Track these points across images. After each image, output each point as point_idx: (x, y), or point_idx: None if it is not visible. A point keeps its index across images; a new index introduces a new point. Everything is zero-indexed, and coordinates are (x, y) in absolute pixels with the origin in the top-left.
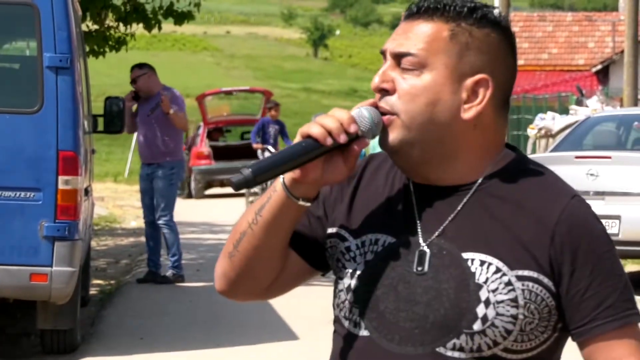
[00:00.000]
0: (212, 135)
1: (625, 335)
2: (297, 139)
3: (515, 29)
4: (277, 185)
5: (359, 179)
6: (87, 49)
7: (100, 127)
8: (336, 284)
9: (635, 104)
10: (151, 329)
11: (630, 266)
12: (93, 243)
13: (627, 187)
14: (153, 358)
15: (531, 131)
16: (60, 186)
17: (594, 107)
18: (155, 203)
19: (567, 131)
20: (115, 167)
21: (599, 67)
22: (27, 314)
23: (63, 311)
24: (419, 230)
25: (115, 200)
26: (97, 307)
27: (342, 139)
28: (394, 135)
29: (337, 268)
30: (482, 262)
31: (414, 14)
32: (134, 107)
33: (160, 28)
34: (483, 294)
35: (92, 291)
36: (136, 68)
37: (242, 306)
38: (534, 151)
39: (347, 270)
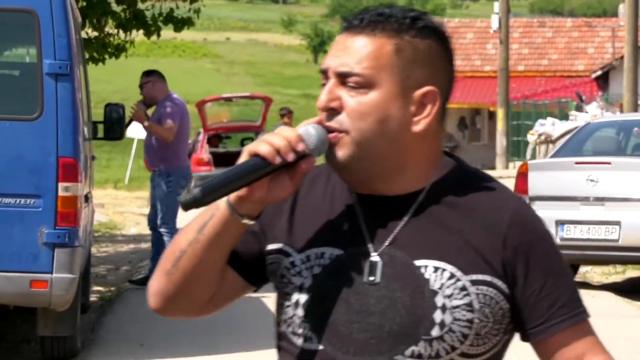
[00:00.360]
0: (210, 141)
1: (582, 331)
2: (244, 157)
3: (515, 34)
4: (221, 204)
5: (296, 193)
6: (87, 55)
7: (101, 133)
8: (281, 300)
9: (635, 110)
10: (151, 335)
11: (630, 272)
12: (93, 249)
13: (627, 193)
14: None
15: (531, 137)
16: (60, 193)
17: (594, 113)
18: (158, 209)
19: (567, 137)
20: (115, 174)
21: (599, 73)
22: (27, 320)
23: (63, 318)
24: (368, 240)
25: (115, 206)
26: (98, 313)
27: (290, 157)
28: (342, 152)
29: (281, 284)
30: (436, 269)
31: (354, 27)
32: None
33: (159, 35)
34: (439, 300)
35: (93, 298)
36: (144, 75)
37: (242, 312)
38: (533, 157)
39: (293, 285)
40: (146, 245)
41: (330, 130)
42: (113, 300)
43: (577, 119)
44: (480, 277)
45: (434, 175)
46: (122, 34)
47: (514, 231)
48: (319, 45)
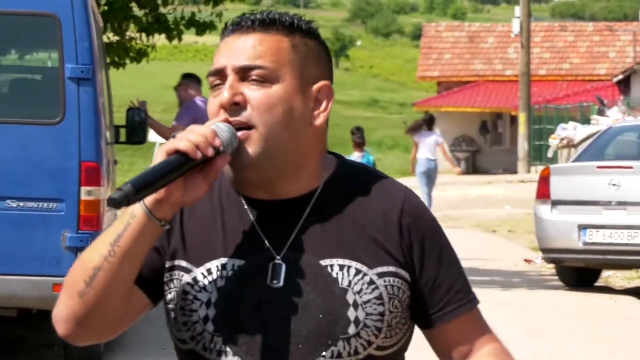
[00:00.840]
0: None
1: (475, 316)
2: (160, 157)
3: (536, 39)
4: (136, 211)
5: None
6: (109, 59)
7: (123, 137)
8: (184, 317)
9: None
10: None
11: None
12: None
13: None
14: None
15: (553, 141)
16: (83, 197)
17: (616, 117)
18: None
19: (588, 141)
20: None
21: (620, 77)
22: (50, 324)
23: None
24: (268, 246)
25: None
26: None
27: (210, 152)
28: (252, 149)
29: (183, 301)
30: (342, 267)
31: (244, 28)
32: None
33: (181, 38)
34: (350, 297)
35: None
36: (182, 77)
37: None
38: (555, 158)
39: (200, 301)
40: None
41: (237, 126)
42: None
43: (599, 123)
44: (385, 269)
45: (324, 173)
46: (144, 38)
47: (407, 220)
48: (340, 49)
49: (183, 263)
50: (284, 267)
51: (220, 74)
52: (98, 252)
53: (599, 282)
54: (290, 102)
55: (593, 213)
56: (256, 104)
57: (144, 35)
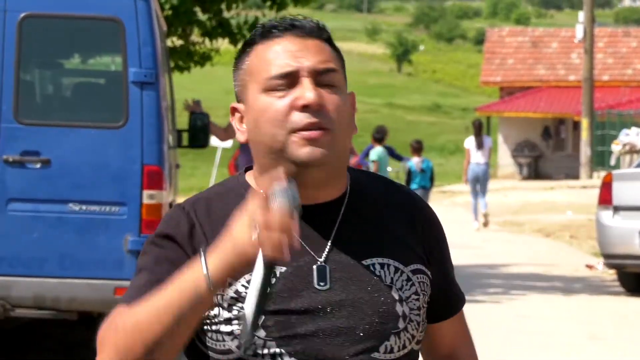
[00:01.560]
0: None
1: (463, 314)
2: (244, 258)
3: (599, 44)
4: (201, 289)
5: (195, 226)
6: (172, 64)
7: (185, 142)
8: (226, 327)
9: None
10: None
11: None
12: None
13: None
14: None
15: (615, 147)
16: (145, 200)
17: None
18: None
19: None
20: (199, 182)
21: None
22: None
23: None
24: (308, 250)
25: None
26: None
27: (285, 255)
28: (323, 150)
29: (228, 313)
30: (382, 265)
31: (302, 33)
32: None
33: None
34: (395, 294)
35: None
36: None
37: None
38: (617, 166)
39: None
40: None
41: (317, 126)
42: None
43: None
44: (415, 266)
45: (347, 179)
46: (207, 42)
47: (423, 219)
48: (403, 54)
49: None
50: (327, 269)
51: (289, 77)
52: (159, 322)
53: None
54: (348, 107)
55: None
56: (332, 107)
57: (207, 39)
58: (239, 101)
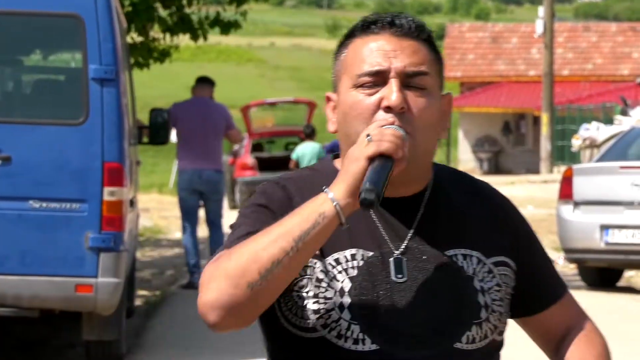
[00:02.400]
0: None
1: (570, 298)
2: (362, 162)
3: (559, 39)
4: (328, 211)
5: (290, 202)
6: (132, 60)
7: (146, 138)
8: (313, 304)
9: None
10: (196, 339)
11: None
12: (138, 254)
13: None
14: None
15: (576, 141)
16: (106, 197)
17: (639, 117)
18: None
19: (611, 141)
20: (160, 179)
21: None
22: (72, 325)
23: (108, 322)
24: (387, 240)
25: (160, 211)
26: (142, 318)
27: (402, 153)
28: (407, 155)
29: (317, 288)
30: (465, 256)
31: (400, 32)
32: None
33: (206, 38)
34: (477, 284)
35: (137, 302)
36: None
37: None
38: (578, 161)
39: (333, 289)
40: None
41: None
42: (158, 304)
43: (622, 124)
44: (499, 258)
45: (431, 173)
46: (168, 38)
47: (509, 215)
48: None
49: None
50: (404, 261)
51: (379, 75)
52: (278, 246)
53: (621, 282)
54: (436, 112)
55: (615, 213)
56: (418, 112)
57: (167, 35)
58: (334, 91)
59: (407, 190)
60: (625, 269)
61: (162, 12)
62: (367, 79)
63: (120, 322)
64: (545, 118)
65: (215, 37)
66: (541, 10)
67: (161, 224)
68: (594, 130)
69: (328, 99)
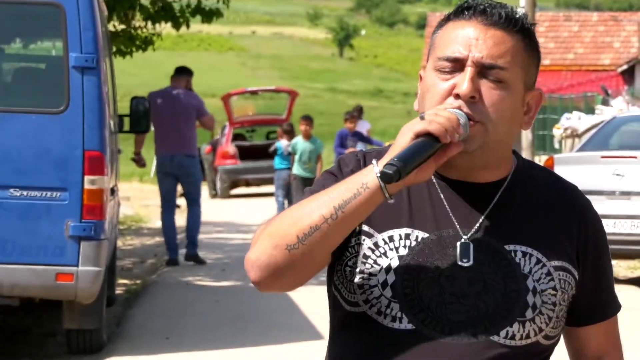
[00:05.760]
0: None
1: (615, 321)
2: (408, 136)
3: (541, 28)
4: (370, 183)
5: None
6: (114, 48)
7: (127, 127)
8: (361, 280)
9: None
10: (177, 328)
11: None
12: (119, 243)
13: None
14: (179, 358)
15: (557, 131)
16: (86, 186)
17: (620, 107)
18: None
19: (593, 131)
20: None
21: (625, 67)
22: (53, 313)
23: (89, 311)
24: (456, 224)
25: (141, 200)
26: (123, 306)
27: (456, 138)
28: (474, 142)
29: (363, 264)
30: (524, 254)
31: (490, 21)
32: None
33: (188, 26)
34: (530, 284)
35: (118, 291)
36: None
37: (267, 306)
38: (559, 151)
39: (380, 266)
40: None
41: (470, 118)
42: (139, 293)
43: (603, 113)
44: (560, 263)
45: (511, 165)
46: (150, 27)
47: (585, 223)
48: (344, 38)
49: (365, 227)
50: (471, 246)
51: (457, 62)
52: (318, 212)
53: None
54: (515, 106)
55: (597, 202)
56: (490, 103)
57: (149, 23)
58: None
59: (485, 177)
60: None
61: (144, 0)
62: (445, 63)
63: (101, 311)
64: None
65: (196, 26)
66: (522, 0)
67: (142, 212)
68: (575, 120)
69: (421, 76)
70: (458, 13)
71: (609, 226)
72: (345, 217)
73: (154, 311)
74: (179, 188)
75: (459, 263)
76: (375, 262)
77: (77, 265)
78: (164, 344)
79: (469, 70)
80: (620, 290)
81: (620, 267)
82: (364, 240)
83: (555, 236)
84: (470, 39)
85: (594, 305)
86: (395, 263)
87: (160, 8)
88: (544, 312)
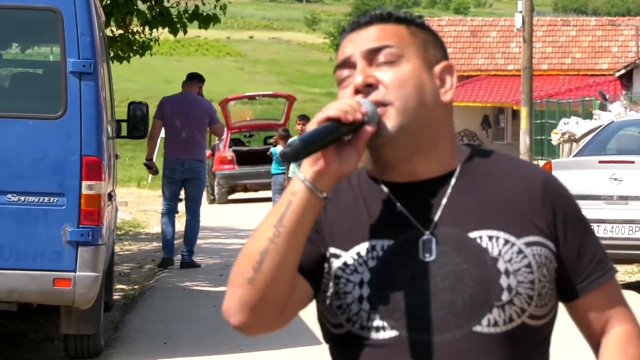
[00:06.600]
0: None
1: (615, 285)
2: (312, 126)
3: (538, 33)
4: (297, 187)
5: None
6: (111, 53)
7: (124, 132)
8: (337, 302)
9: None
10: (175, 333)
11: None
12: (116, 248)
13: None
14: None
15: (555, 136)
16: (84, 191)
17: (618, 111)
18: None
19: (590, 136)
20: (138, 173)
21: (623, 71)
22: (50, 319)
23: (86, 316)
24: (415, 224)
25: (138, 205)
26: (121, 312)
27: (359, 116)
28: (390, 124)
29: (336, 285)
30: (490, 237)
31: (364, 23)
32: None
33: (185, 32)
34: (501, 266)
35: (116, 296)
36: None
37: None
38: (557, 155)
39: (353, 283)
40: None
41: (378, 104)
42: (136, 298)
43: (601, 118)
44: (531, 238)
45: (460, 156)
46: (147, 32)
47: (548, 194)
48: None
49: (332, 250)
50: (434, 241)
51: (348, 63)
52: (262, 237)
53: None
54: (419, 78)
55: (594, 207)
56: (389, 81)
57: (147, 29)
58: None
59: (430, 171)
60: None
61: (141, 6)
62: (340, 72)
63: (98, 316)
64: (524, 112)
65: (194, 31)
66: (520, 5)
67: (140, 217)
68: (573, 125)
69: None
70: (342, 35)
71: (606, 231)
72: (288, 231)
73: (151, 316)
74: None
75: (423, 259)
76: (347, 280)
77: (74, 271)
78: (162, 349)
79: (359, 63)
80: None
81: (618, 272)
82: (333, 262)
83: (520, 213)
84: (352, 41)
85: (581, 273)
86: (367, 276)
87: (158, 13)
88: (521, 292)
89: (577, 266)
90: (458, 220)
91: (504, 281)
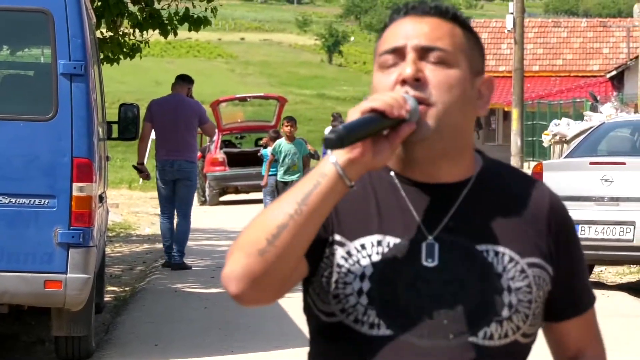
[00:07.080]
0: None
1: (593, 314)
2: (355, 115)
3: (530, 34)
4: (327, 170)
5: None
6: (102, 55)
7: (115, 134)
8: (336, 290)
9: None
10: (166, 335)
11: None
12: (108, 250)
13: None
14: None
15: (546, 137)
16: (75, 193)
17: (609, 113)
18: None
19: (581, 137)
20: (129, 174)
21: (614, 72)
22: (41, 321)
23: (77, 318)
24: (422, 227)
25: (129, 207)
26: (112, 313)
27: (403, 113)
28: (429, 125)
29: (337, 274)
30: (496, 253)
31: (418, 12)
32: None
33: (176, 34)
34: (504, 282)
35: (107, 298)
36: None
37: (256, 312)
38: (548, 157)
39: (354, 274)
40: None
41: (420, 102)
42: (127, 300)
43: (592, 119)
44: (534, 260)
45: (476, 164)
46: (137, 34)
47: (554, 217)
48: (333, 45)
49: (337, 237)
50: (437, 246)
51: (398, 52)
52: (282, 211)
53: (592, 278)
54: (465, 86)
55: (585, 209)
56: (437, 82)
57: (137, 31)
58: None
59: (449, 175)
60: (595, 264)
61: (132, 8)
62: (386, 56)
63: (89, 318)
64: (515, 114)
65: (185, 33)
66: (511, 6)
67: (131, 219)
68: (564, 126)
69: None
70: (392, 17)
71: (597, 232)
72: (310, 210)
73: (142, 318)
74: None
75: (424, 263)
76: (349, 270)
77: (65, 273)
78: (153, 351)
79: (409, 56)
80: (609, 297)
81: (609, 273)
82: (336, 249)
83: (526, 233)
84: (406, 29)
85: (570, 299)
86: (369, 270)
87: (148, 15)
88: (520, 310)
89: (568, 291)
90: (466, 230)
91: (506, 297)
